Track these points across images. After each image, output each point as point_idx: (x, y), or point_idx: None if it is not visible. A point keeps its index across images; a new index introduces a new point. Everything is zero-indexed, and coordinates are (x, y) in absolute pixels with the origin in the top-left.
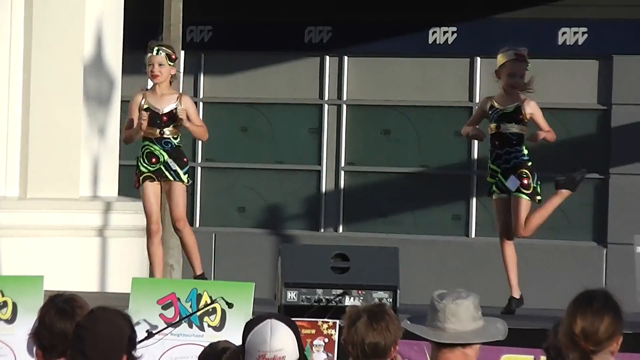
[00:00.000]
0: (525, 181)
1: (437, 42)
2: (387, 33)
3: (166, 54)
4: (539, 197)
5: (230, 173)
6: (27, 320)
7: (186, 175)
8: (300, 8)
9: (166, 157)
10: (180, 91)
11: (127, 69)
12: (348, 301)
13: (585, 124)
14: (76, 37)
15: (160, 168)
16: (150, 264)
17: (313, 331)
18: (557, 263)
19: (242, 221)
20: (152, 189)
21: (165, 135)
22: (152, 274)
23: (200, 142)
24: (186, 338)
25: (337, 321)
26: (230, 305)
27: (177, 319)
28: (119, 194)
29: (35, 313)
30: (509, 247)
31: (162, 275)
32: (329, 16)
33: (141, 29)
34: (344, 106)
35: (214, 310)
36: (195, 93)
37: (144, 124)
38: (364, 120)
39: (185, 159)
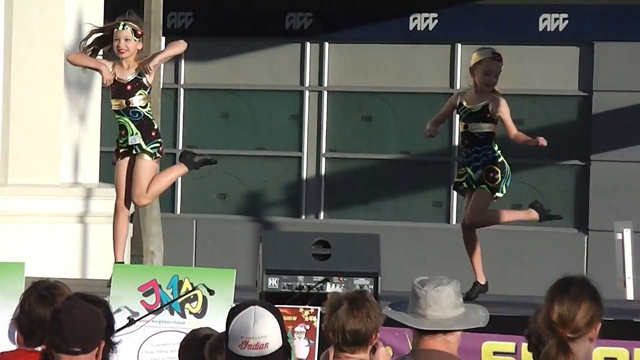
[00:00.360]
0: (492, 174)
1: (418, 29)
2: (368, 19)
3: (132, 29)
4: (498, 194)
5: None
6: (8, 307)
7: (154, 150)
8: None
9: (134, 129)
10: (161, 78)
11: (107, 55)
12: (329, 288)
13: (566, 110)
14: (57, 24)
15: (127, 140)
16: (113, 239)
17: (294, 318)
18: (538, 250)
19: (223, 208)
20: (123, 164)
21: (132, 105)
22: (114, 250)
23: (181, 129)
24: (168, 325)
25: (319, 308)
26: (211, 292)
27: (159, 306)
28: (100, 180)
29: (16, 300)
30: (472, 234)
31: (122, 252)
32: (310, 2)
33: (122, 14)
34: (325, 92)
35: (195, 297)
36: (176, 79)
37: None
38: (345, 106)
39: (153, 133)
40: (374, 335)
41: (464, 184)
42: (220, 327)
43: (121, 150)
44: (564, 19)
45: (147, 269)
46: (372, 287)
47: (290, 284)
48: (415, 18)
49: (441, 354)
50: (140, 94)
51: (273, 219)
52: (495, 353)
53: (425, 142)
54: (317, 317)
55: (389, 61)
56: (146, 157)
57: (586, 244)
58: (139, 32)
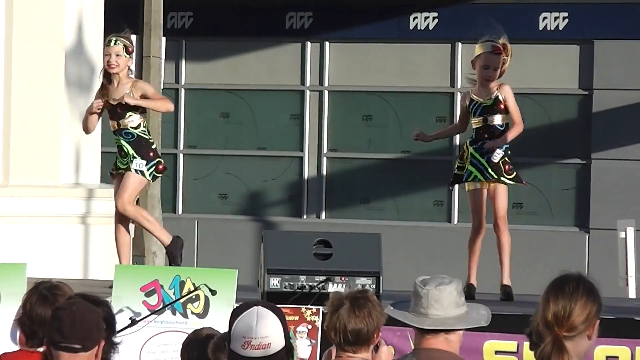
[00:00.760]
0: (507, 167)
1: (418, 28)
2: (368, 18)
3: (123, 45)
4: (511, 182)
5: (212, 160)
6: (10, 308)
7: (149, 170)
8: None
9: (131, 150)
10: (162, 79)
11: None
12: (331, 288)
13: (566, 109)
14: (57, 24)
15: (127, 163)
16: (117, 251)
17: (296, 318)
18: (539, 249)
19: (224, 208)
20: (121, 178)
21: (122, 127)
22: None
23: (182, 129)
24: (170, 325)
25: (320, 308)
26: (213, 292)
27: (161, 306)
28: (101, 180)
29: (18, 300)
30: (480, 239)
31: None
32: (310, 2)
33: (122, 15)
34: (326, 92)
35: (197, 297)
36: (177, 79)
37: (94, 106)
38: (346, 106)
39: (151, 153)
40: (375, 335)
41: (477, 174)
42: (222, 327)
43: (118, 171)
44: (564, 18)
45: (149, 269)
46: (373, 286)
47: (292, 283)
48: (416, 17)
49: (443, 353)
50: (130, 116)
51: (274, 218)
52: (497, 352)
53: None
54: (319, 317)
55: (389, 60)
56: (139, 174)
57: (587, 242)
58: (130, 49)
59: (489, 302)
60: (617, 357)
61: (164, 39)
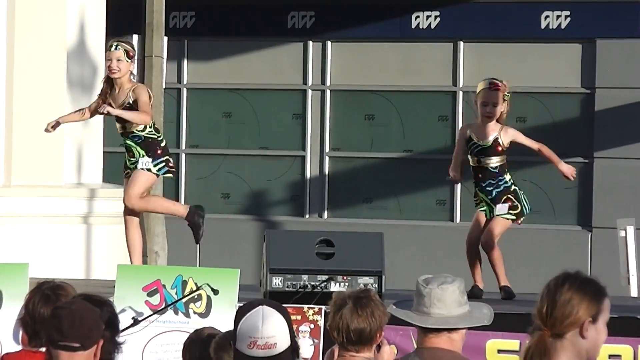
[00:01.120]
0: (510, 203)
1: (421, 27)
2: (370, 18)
3: (124, 50)
4: (523, 218)
5: (214, 159)
6: (12, 308)
7: (156, 167)
8: None
9: (140, 151)
10: (164, 78)
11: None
12: (333, 287)
13: (569, 107)
14: (59, 23)
15: (134, 162)
16: (128, 248)
17: (299, 317)
18: (542, 247)
19: (226, 207)
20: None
21: (128, 130)
22: (130, 259)
23: (184, 129)
24: (172, 325)
25: (323, 307)
26: (215, 292)
27: (163, 306)
28: (103, 180)
29: (20, 300)
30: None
31: (139, 261)
32: (312, 1)
33: (124, 15)
34: (328, 91)
35: (200, 297)
36: (179, 79)
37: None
38: (348, 105)
39: (159, 151)
40: (378, 334)
41: (486, 209)
42: (224, 327)
43: (127, 170)
44: (566, 16)
45: (151, 269)
46: (376, 285)
47: (294, 283)
48: (418, 16)
49: (446, 352)
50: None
51: (277, 218)
52: (499, 351)
53: (428, 140)
54: (321, 316)
55: (391, 59)
56: (147, 170)
57: (590, 241)
58: (131, 54)
59: (491, 301)
60: (619, 356)
61: (166, 38)
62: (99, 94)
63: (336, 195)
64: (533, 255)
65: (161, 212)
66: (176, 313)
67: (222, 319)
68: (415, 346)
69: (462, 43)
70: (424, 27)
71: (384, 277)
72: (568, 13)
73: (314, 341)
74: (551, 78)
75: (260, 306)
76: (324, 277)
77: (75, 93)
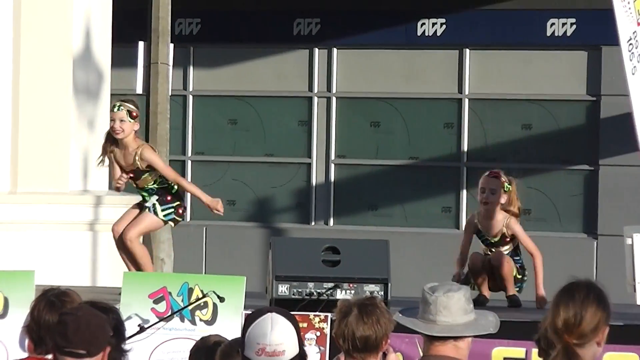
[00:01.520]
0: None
1: (426, 34)
2: (375, 25)
3: (127, 110)
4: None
5: (220, 166)
6: (18, 315)
7: (164, 212)
8: (289, 0)
9: (154, 199)
10: (170, 85)
11: (116, 62)
12: (339, 294)
13: (574, 115)
14: (65, 30)
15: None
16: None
17: (305, 325)
18: (547, 255)
19: (232, 215)
20: (134, 207)
21: (140, 186)
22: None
23: (190, 136)
24: (178, 332)
25: (329, 314)
26: (221, 299)
27: (169, 313)
28: (109, 187)
29: (27, 307)
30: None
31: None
32: (317, 8)
33: (130, 21)
34: (334, 98)
35: (206, 304)
36: (185, 86)
37: (121, 186)
38: (354, 112)
39: (169, 197)
40: (384, 342)
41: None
42: (230, 334)
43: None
44: (571, 24)
45: (157, 277)
46: (382, 293)
47: (300, 290)
48: (423, 23)
49: None
50: (144, 178)
51: (282, 225)
52: (505, 359)
53: (434, 147)
54: (327, 324)
55: (397, 66)
56: (155, 215)
57: (595, 248)
58: (134, 114)
59: (497, 308)
60: None
61: (171, 45)
62: (105, 144)
63: (342, 203)
64: None
65: (138, 260)
66: (182, 320)
67: (228, 327)
68: (421, 354)
69: (467, 50)
70: (430, 34)
71: (389, 284)
72: (573, 20)
73: (320, 349)
74: (557, 85)
75: (269, 313)
76: (330, 285)
77: (81, 100)
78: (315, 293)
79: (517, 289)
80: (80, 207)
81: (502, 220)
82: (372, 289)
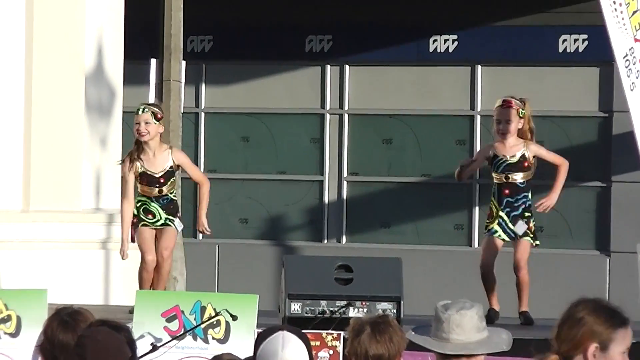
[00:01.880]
0: (531, 223)
1: (438, 50)
2: (388, 41)
3: (152, 112)
4: (537, 242)
5: (232, 184)
6: (31, 334)
7: (180, 224)
8: (301, 17)
9: (163, 214)
10: (182, 102)
11: (128, 79)
12: (352, 312)
13: (586, 131)
14: (77, 48)
15: (156, 223)
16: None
17: (317, 343)
18: (560, 272)
19: (244, 232)
20: (149, 232)
21: (163, 193)
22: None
23: (202, 153)
24: (191, 351)
25: (342, 333)
26: (234, 318)
27: (182, 332)
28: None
29: (39, 327)
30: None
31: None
32: (330, 25)
33: (142, 39)
34: (346, 115)
35: (218, 323)
36: (197, 103)
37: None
38: (366, 129)
39: (179, 214)
40: None
41: (501, 233)
42: (243, 353)
43: (142, 222)
44: (583, 40)
45: (170, 295)
46: (394, 311)
47: (312, 308)
48: (435, 40)
49: None
50: (171, 183)
51: (295, 243)
52: None
53: (446, 164)
54: (340, 342)
55: (409, 83)
56: (174, 227)
57: (608, 265)
58: (159, 116)
59: (510, 326)
60: None
61: (184, 62)
62: (129, 158)
63: (354, 220)
64: (550, 280)
65: (160, 283)
66: (195, 339)
67: (240, 345)
68: None
69: (479, 67)
70: (442, 51)
71: (402, 302)
72: (586, 36)
73: None
74: (569, 101)
75: (280, 331)
76: (343, 303)
77: (93, 117)
78: (327, 311)
79: (532, 239)
80: (92, 226)
81: (520, 145)
82: (385, 307)
